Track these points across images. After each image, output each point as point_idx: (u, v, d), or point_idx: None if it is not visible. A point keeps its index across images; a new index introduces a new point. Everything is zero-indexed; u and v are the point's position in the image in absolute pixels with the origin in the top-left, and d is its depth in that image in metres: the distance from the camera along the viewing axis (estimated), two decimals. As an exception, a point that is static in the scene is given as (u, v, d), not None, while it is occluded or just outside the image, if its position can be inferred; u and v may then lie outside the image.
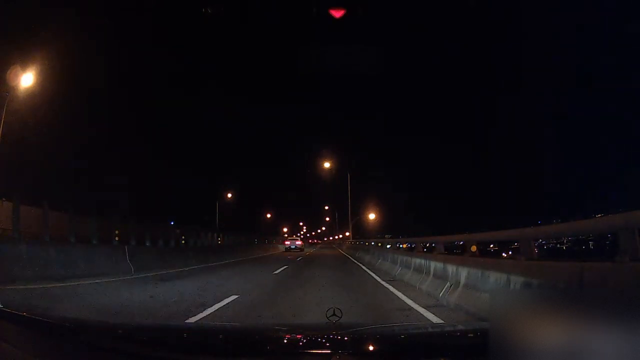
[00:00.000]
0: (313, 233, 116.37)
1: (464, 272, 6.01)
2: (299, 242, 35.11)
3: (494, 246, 17.02)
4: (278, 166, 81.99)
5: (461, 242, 10.07)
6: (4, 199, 14.26)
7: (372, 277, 11.06)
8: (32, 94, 12.24)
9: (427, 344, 1.66)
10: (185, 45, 47.44)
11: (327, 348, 1.58)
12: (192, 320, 5.05)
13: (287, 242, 34.71)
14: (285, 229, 77.75)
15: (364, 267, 14.53)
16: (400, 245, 16.31)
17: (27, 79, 11.79)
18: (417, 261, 8.95)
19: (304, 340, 1.76)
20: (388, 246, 17.99)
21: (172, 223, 33.82)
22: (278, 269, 13.77)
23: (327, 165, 38.83)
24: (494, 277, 5.04)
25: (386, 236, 38.93)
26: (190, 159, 40.98)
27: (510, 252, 12.67)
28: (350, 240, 38.23)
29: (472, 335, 1.74)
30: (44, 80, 12.63)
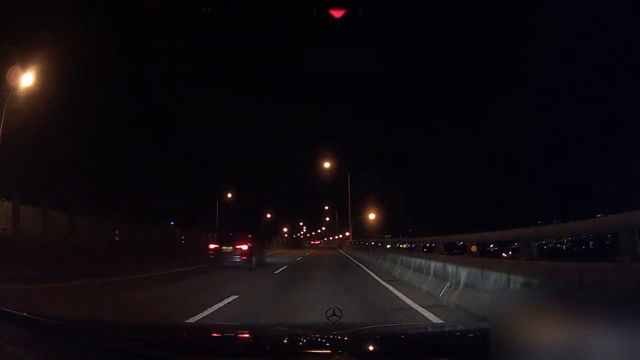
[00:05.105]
0: (313, 233, 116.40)
1: (464, 272, 6.01)
2: (239, 248, 13.45)
3: (494, 246, 17.03)
4: (278, 166, 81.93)
5: (461, 242, 10.07)
6: (4, 199, 14.29)
7: (372, 277, 11.06)
8: (32, 93, 12.26)
9: (427, 344, 1.67)
10: (185, 44, 47.53)
11: (327, 348, 1.58)
12: (192, 320, 5.04)
13: (212, 246, 14.22)
14: (285, 229, 77.66)
15: (364, 267, 14.52)
16: (400, 246, 16.33)
17: (27, 79, 11.81)
18: (417, 261, 8.95)
19: (304, 340, 1.75)
20: (388, 246, 18.01)
21: (172, 223, 33.91)
22: (278, 269, 13.77)
23: (327, 165, 38.92)
24: (494, 277, 5.04)
25: (386, 236, 39.03)
26: (189, 159, 40.99)
27: (510, 252, 12.69)
28: (351, 240, 38.21)
29: (472, 335, 1.74)
30: (44, 80, 12.64)
